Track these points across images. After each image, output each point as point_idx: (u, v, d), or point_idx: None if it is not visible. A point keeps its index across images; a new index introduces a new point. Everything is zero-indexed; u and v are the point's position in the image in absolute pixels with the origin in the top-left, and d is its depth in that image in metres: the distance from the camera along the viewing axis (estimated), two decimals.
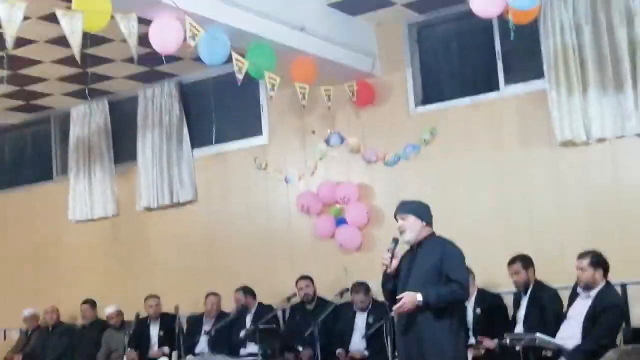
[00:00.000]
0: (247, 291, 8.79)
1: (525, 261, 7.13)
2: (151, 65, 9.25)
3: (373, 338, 7.54)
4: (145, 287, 9.56)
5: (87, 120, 10.75)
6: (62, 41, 7.02)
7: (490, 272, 7.51)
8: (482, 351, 7.03)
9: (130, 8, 5.94)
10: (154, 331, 9.27)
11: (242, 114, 9.82)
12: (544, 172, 7.80)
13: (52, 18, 6.13)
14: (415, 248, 5.81)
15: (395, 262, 5.72)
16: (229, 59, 6.84)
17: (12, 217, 11.46)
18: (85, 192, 10.67)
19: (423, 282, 5.54)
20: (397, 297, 5.50)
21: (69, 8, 5.70)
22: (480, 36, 8.36)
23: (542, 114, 7.70)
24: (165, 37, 6.43)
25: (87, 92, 9.62)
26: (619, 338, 6.50)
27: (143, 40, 6.37)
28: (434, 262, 5.63)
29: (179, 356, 8.41)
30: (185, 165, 9.96)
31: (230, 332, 8.69)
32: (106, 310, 9.62)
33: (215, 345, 8.59)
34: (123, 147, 10.63)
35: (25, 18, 5.60)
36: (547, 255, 7.37)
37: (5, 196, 11.69)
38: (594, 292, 6.43)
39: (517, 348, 6.40)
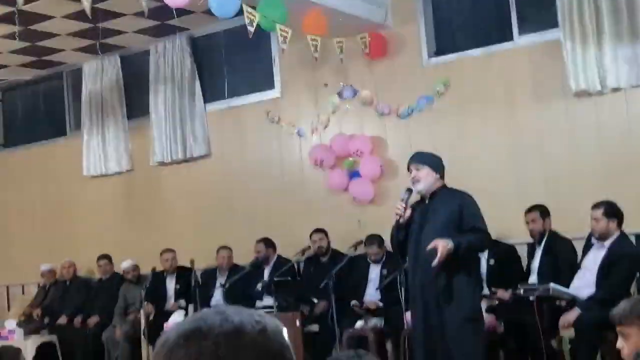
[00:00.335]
0: (268, 243, 8.81)
1: (543, 210, 7.14)
2: (162, 19, 9.19)
3: (387, 289, 7.59)
4: (160, 242, 9.62)
5: (100, 75, 10.73)
6: None
7: (504, 224, 7.49)
8: (496, 302, 7.05)
9: None
10: (170, 285, 9.35)
11: (254, 67, 9.78)
12: (558, 123, 7.76)
13: None
14: (428, 199, 5.82)
15: (408, 212, 5.73)
16: (240, 12, 6.80)
17: (27, 173, 11.50)
18: (98, 148, 10.68)
19: (440, 232, 5.56)
20: (429, 247, 5.45)
21: None
22: None
23: (557, 64, 7.63)
24: None
25: (98, 47, 9.59)
26: (634, 288, 6.51)
27: None
28: (450, 212, 5.65)
29: (195, 309, 8.48)
30: (198, 120, 9.96)
31: (246, 284, 8.74)
32: (122, 265, 9.69)
33: (230, 298, 8.66)
34: (135, 103, 10.63)
35: None
36: (561, 206, 7.35)
37: (20, 153, 11.73)
38: (608, 242, 6.44)
39: (531, 298, 6.45)
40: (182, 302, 9.08)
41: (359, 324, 7.54)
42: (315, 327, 8.10)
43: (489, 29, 8.39)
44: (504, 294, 7.02)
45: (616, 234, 6.47)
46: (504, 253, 7.43)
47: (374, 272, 8.12)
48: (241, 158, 9.74)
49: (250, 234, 9.04)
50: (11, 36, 9.04)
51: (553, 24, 7.70)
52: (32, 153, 11.55)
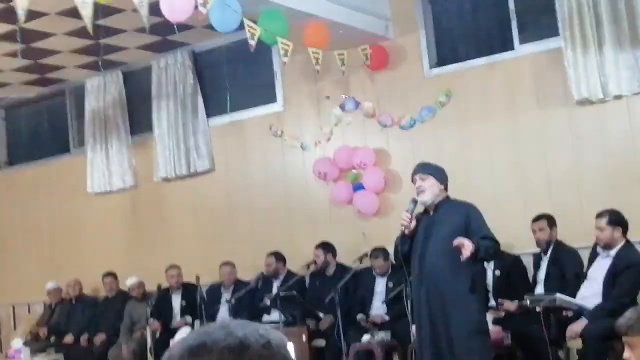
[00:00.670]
0: (279, 257, 8.78)
1: (550, 219, 7.11)
2: (163, 34, 9.21)
3: (393, 302, 7.56)
4: (165, 258, 9.61)
5: (102, 92, 10.75)
6: (73, 13, 7.00)
7: (508, 234, 7.45)
8: (503, 313, 7.02)
9: None
10: (176, 301, 9.32)
11: (256, 81, 9.78)
12: (561, 131, 7.74)
13: None
14: (432, 211, 5.80)
15: (413, 223, 5.72)
16: (241, 26, 6.81)
17: (31, 191, 11.51)
18: (102, 165, 10.69)
19: (447, 243, 5.54)
20: (455, 243, 5.43)
21: None
22: None
23: (558, 72, 7.62)
24: (175, 5, 6.40)
25: (100, 63, 9.60)
26: None
27: (154, 9, 6.34)
28: (457, 223, 5.65)
29: (201, 325, 8.45)
30: (201, 135, 9.96)
31: (252, 299, 8.72)
32: (127, 282, 9.67)
33: (236, 313, 8.64)
34: (139, 118, 10.64)
35: None
36: (566, 215, 7.33)
37: (23, 171, 11.74)
38: (613, 252, 6.41)
39: (538, 309, 6.41)
40: (188, 319, 9.06)
41: (366, 338, 7.50)
42: (321, 342, 8.07)
43: (490, 39, 8.39)
44: (510, 306, 6.99)
45: (621, 243, 6.44)
46: (510, 264, 7.39)
47: (380, 285, 8.09)
48: (245, 172, 9.73)
49: (255, 248, 9.03)
50: (13, 54, 9.08)
51: (554, 32, 7.70)
52: (36, 171, 11.56)
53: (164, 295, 9.17)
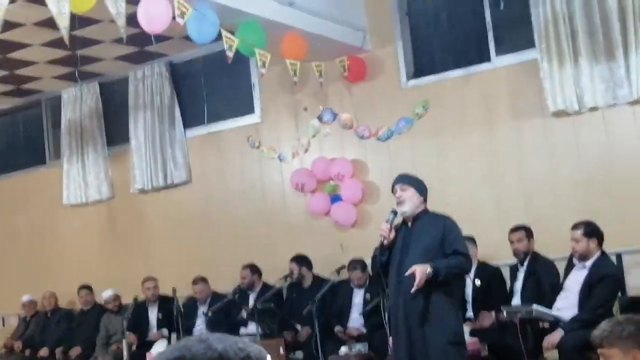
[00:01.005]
0: (254, 269, 8.73)
1: (528, 231, 7.14)
2: (141, 45, 9.19)
3: (371, 314, 7.55)
4: (142, 270, 9.55)
5: (79, 103, 10.70)
6: (49, 23, 6.97)
7: (484, 245, 7.49)
8: (479, 326, 7.03)
9: None
10: (153, 314, 9.26)
11: (234, 92, 9.77)
12: (537, 142, 7.79)
13: (38, 0, 6.08)
14: (411, 222, 5.81)
15: (392, 234, 5.73)
16: (219, 37, 6.81)
17: (6, 203, 11.42)
18: (78, 176, 10.62)
19: (425, 256, 5.57)
20: (407, 273, 5.47)
21: None
22: (470, 7, 8.33)
23: (534, 84, 7.67)
24: (153, 17, 6.38)
25: (77, 74, 9.56)
26: (616, 307, 6.50)
27: (131, 20, 6.32)
28: (435, 235, 5.66)
29: (178, 338, 8.41)
30: (179, 146, 9.93)
31: (229, 312, 8.68)
32: (103, 295, 9.60)
33: (213, 326, 8.59)
34: (115, 130, 10.59)
35: (12, 1, 5.56)
36: (542, 227, 7.36)
37: None
38: (589, 263, 6.43)
39: (515, 320, 6.42)
40: (165, 332, 9.00)
41: (344, 350, 7.48)
42: (299, 354, 8.05)
43: (467, 50, 8.43)
44: (486, 321, 7.00)
45: (597, 254, 6.46)
46: (490, 274, 7.40)
47: (358, 296, 8.08)
48: (222, 183, 9.71)
49: (233, 260, 8.99)
50: None
51: (530, 44, 7.75)
52: (12, 182, 11.48)
53: (140, 308, 9.10)
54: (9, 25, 7.90)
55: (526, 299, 6.78)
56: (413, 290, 5.45)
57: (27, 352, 10.03)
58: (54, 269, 10.73)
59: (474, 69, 8.23)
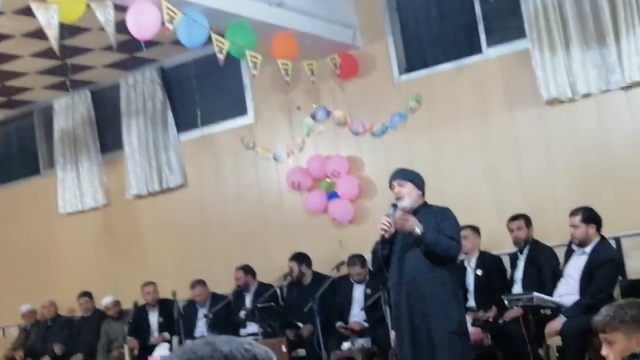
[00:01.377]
0: (248, 270, 8.74)
1: (527, 219, 7.16)
2: (131, 51, 9.18)
3: (372, 309, 7.56)
4: (140, 275, 9.55)
5: (71, 112, 10.68)
6: (39, 34, 6.95)
7: (483, 235, 7.51)
8: (482, 318, 7.04)
9: None
10: (153, 318, 9.26)
11: (226, 94, 9.77)
12: (532, 131, 7.80)
13: (27, 11, 6.07)
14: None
15: (393, 228, 5.73)
16: (209, 40, 6.80)
17: (1, 214, 11.40)
18: (73, 184, 10.62)
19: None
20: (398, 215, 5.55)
21: (43, 0, 5.64)
22: None
23: (527, 73, 7.69)
24: (142, 23, 6.39)
25: (68, 83, 9.53)
26: (616, 291, 6.53)
27: (121, 27, 6.32)
28: (434, 227, 5.66)
29: (180, 341, 8.41)
30: (173, 150, 9.93)
31: (229, 313, 8.69)
32: (103, 301, 9.60)
33: (214, 327, 8.60)
34: (109, 136, 10.58)
35: (0, 13, 5.55)
36: (540, 215, 7.38)
37: None
38: (589, 248, 6.45)
39: (516, 307, 6.45)
40: (166, 335, 8.99)
41: (346, 345, 7.50)
42: (302, 352, 8.05)
43: (458, 43, 8.44)
44: (488, 315, 7.01)
45: (596, 240, 6.48)
46: (491, 263, 7.41)
47: (358, 292, 8.09)
48: (218, 186, 9.71)
49: (231, 262, 8.99)
50: None
51: (521, 34, 7.76)
52: (6, 193, 11.46)
53: (140, 313, 9.11)
54: None
55: (527, 286, 6.80)
56: (399, 214, 5.55)
57: None
58: (53, 278, 10.72)
59: (466, 61, 8.23)
